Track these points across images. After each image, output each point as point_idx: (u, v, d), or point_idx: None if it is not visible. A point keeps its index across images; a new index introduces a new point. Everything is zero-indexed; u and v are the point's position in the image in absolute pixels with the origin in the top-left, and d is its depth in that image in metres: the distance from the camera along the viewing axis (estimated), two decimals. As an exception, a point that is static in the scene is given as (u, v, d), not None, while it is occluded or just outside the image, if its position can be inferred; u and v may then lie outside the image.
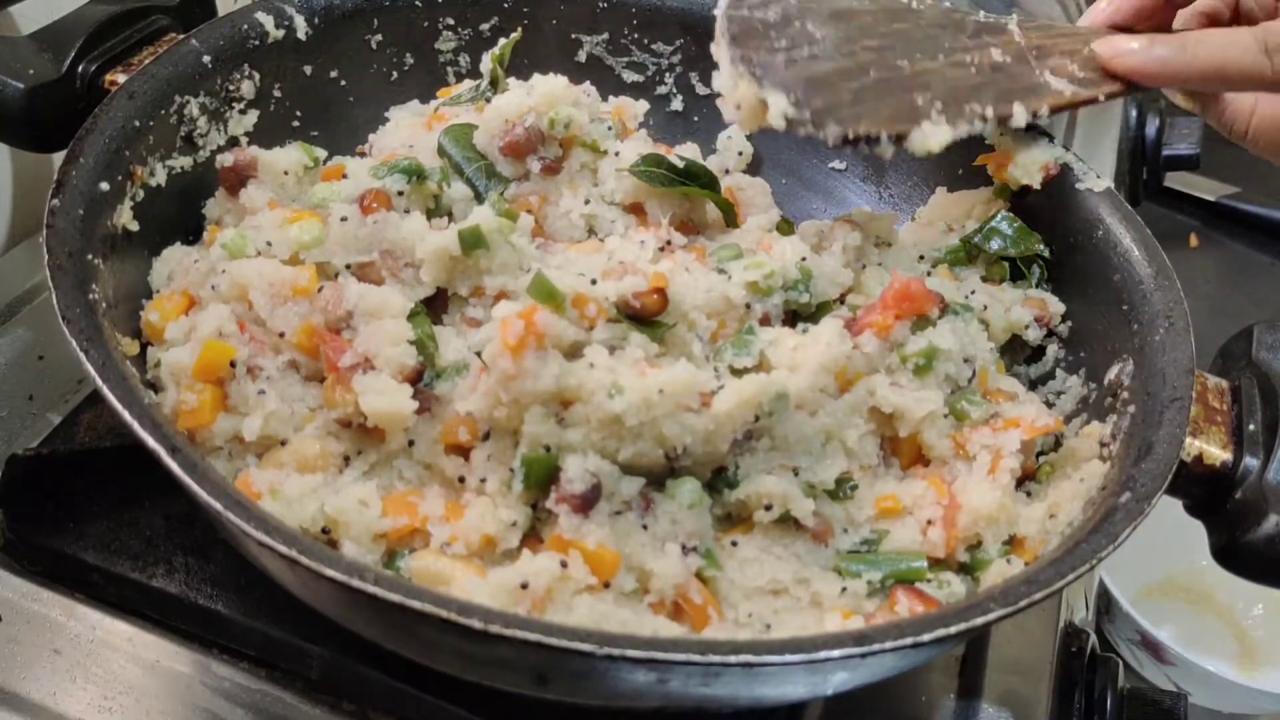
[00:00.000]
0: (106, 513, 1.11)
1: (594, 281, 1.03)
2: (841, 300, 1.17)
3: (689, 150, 1.36)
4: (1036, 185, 1.22)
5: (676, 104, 1.46)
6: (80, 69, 1.18)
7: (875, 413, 1.05)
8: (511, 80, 1.31)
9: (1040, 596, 0.84)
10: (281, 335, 1.01)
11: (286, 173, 1.16)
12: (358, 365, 0.98)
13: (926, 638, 0.79)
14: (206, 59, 1.18)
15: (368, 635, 0.91)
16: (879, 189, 1.40)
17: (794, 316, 1.13)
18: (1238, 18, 1.18)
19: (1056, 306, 1.19)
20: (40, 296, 1.38)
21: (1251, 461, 0.98)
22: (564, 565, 0.89)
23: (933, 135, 1.02)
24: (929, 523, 1.01)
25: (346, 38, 1.31)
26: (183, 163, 1.16)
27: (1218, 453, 0.99)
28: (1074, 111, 2.01)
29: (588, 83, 1.33)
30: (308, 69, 1.29)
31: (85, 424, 1.17)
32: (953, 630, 0.80)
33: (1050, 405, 1.14)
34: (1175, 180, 2.32)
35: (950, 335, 1.09)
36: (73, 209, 0.99)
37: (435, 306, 1.09)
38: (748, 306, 1.08)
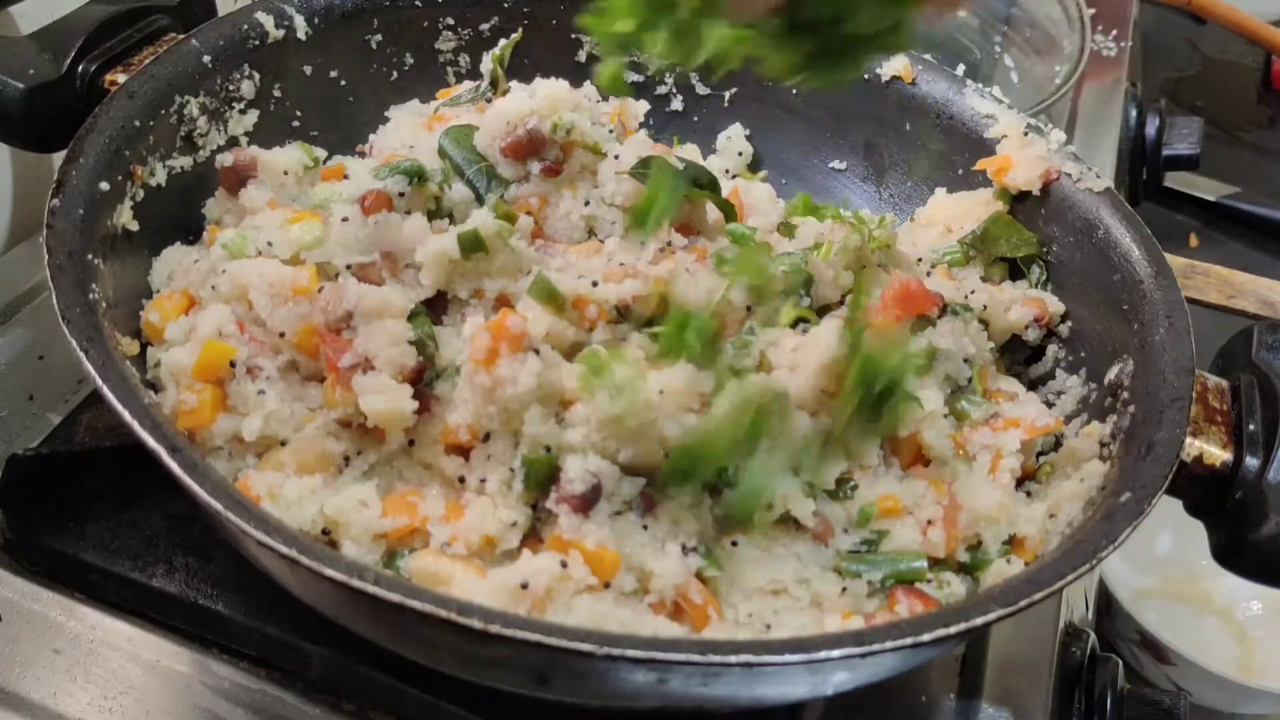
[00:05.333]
0: (106, 513, 1.11)
1: (595, 284, 1.03)
2: (841, 301, 1.17)
3: (689, 151, 1.36)
4: (1036, 191, 1.22)
5: (676, 104, 1.46)
6: (80, 69, 1.18)
7: (875, 413, 1.05)
8: (513, 82, 1.31)
9: (1040, 596, 0.84)
10: (281, 335, 1.01)
11: (286, 173, 1.16)
12: (358, 365, 0.98)
13: (926, 638, 0.79)
14: (206, 59, 1.18)
15: (368, 635, 0.91)
16: (879, 189, 1.40)
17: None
18: None
19: (1056, 306, 1.19)
20: (40, 296, 1.37)
21: (1251, 461, 0.98)
22: (564, 565, 0.89)
23: None
24: (929, 523, 1.01)
25: (346, 38, 1.31)
26: (183, 163, 1.16)
27: (1218, 453, 0.99)
28: (1074, 111, 2.02)
29: (588, 83, 1.33)
30: (308, 69, 1.29)
31: (85, 424, 1.17)
32: (953, 630, 0.80)
33: (1050, 405, 1.14)
34: (1175, 180, 2.32)
35: (950, 335, 1.09)
36: (73, 209, 0.99)
37: (435, 307, 1.09)
38: (748, 309, 1.08)
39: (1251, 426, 1.00)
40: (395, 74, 1.37)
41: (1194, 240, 2.35)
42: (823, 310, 1.15)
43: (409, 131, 1.29)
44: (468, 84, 1.37)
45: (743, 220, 1.25)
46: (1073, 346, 1.18)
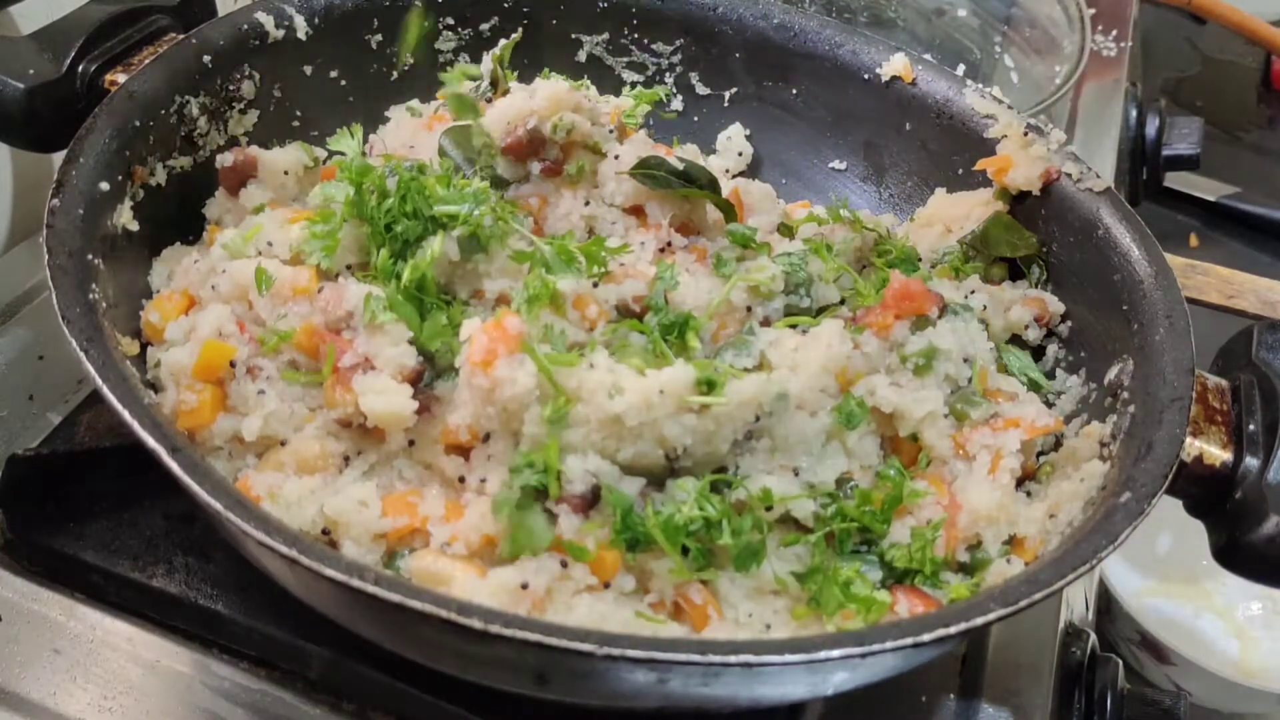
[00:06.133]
0: (106, 513, 1.11)
1: (595, 284, 1.03)
2: (842, 301, 1.17)
3: (689, 151, 1.36)
4: (1036, 191, 1.22)
5: (676, 104, 1.46)
6: (80, 69, 1.18)
7: (875, 413, 1.05)
8: (513, 83, 1.31)
9: (1040, 596, 0.84)
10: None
11: (286, 173, 1.16)
12: (358, 365, 0.98)
13: (926, 638, 0.79)
14: (206, 59, 1.18)
15: (368, 635, 0.91)
16: (879, 189, 1.40)
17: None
18: None
19: (1056, 306, 1.19)
20: (40, 296, 1.38)
21: (1251, 461, 0.98)
22: (564, 565, 0.89)
23: None
24: (929, 523, 1.01)
25: (346, 38, 1.31)
26: (183, 163, 1.16)
27: (1218, 453, 0.99)
28: (1074, 111, 2.02)
29: (586, 80, 1.33)
30: (308, 69, 1.29)
31: (85, 424, 1.17)
32: (953, 630, 0.80)
33: (1050, 405, 1.14)
34: (1175, 180, 2.32)
35: (950, 335, 1.09)
36: (73, 209, 0.99)
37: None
38: (749, 309, 1.08)
39: (1251, 426, 1.00)
40: (395, 74, 1.37)
41: (1194, 240, 2.35)
42: (822, 310, 1.14)
43: (409, 131, 1.29)
44: (468, 85, 1.37)
45: (743, 220, 1.25)
46: (1073, 346, 1.18)
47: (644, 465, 0.95)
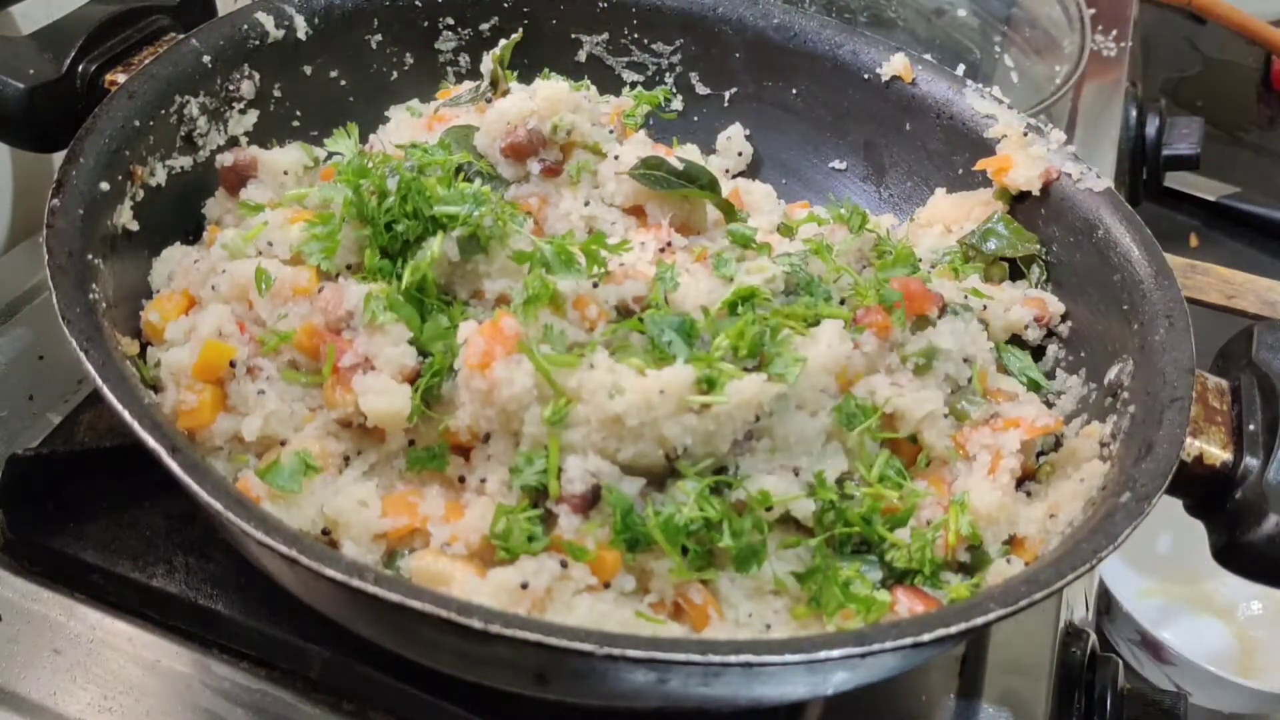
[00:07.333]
0: (106, 513, 1.11)
1: (595, 284, 1.03)
2: (842, 301, 1.17)
3: (689, 151, 1.36)
4: (1036, 191, 1.22)
5: (676, 104, 1.46)
6: (80, 69, 1.18)
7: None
8: (513, 83, 1.31)
9: (1040, 596, 0.84)
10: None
11: (286, 173, 1.16)
12: (358, 365, 0.98)
13: (926, 638, 0.79)
14: (206, 59, 1.18)
15: (368, 635, 0.91)
16: (879, 189, 1.40)
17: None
18: None
19: (1056, 306, 1.19)
20: (40, 296, 1.38)
21: (1251, 461, 0.98)
22: (564, 565, 0.89)
23: None
24: (929, 523, 1.01)
25: (346, 38, 1.31)
26: (183, 163, 1.16)
27: (1218, 453, 0.99)
28: (1074, 111, 2.03)
29: (586, 80, 1.33)
30: (308, 69, 1.29)
31: (85, 424, 1.17)
32: (953, 630, 0.80)
33: (1050, 405, 1.14)
34: (1175, 180, 2.33)
35: (950, 335, 1.09)
36: (73, 209, 0.99)
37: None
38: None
39: (1251, 426, 1.00)
40: (395, 74, 1.37)
41: (1194, 240, 2.36)
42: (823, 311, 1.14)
43: (409, 131, 1.29)
44: (468, 84, 1.37)
45: (742, 220, 1.25)
46: (1073, 346, 1.18)
47: (644, 465, 0.95)
